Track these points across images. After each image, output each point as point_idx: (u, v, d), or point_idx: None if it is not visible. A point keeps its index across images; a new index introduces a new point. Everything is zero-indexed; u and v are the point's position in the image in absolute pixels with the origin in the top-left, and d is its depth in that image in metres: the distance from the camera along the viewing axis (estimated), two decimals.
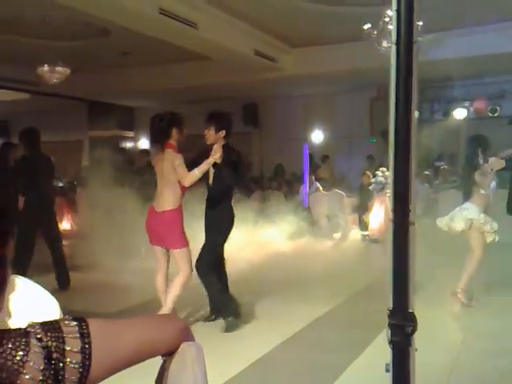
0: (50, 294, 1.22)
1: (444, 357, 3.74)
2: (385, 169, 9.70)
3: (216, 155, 4.28)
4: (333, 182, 11.63)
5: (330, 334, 4.53)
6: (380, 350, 3.68)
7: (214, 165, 4.47)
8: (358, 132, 13.10)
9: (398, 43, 1.09)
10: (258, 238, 9.04)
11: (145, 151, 9.09)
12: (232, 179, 4.62)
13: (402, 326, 1.14)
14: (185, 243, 4.50)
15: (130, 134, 16.10)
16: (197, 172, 4.31)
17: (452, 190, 9.55)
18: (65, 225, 11.35)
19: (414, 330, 1.16)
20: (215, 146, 4.37)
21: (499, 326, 4.56)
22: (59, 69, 9.36)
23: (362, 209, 10.14)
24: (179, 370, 0.96)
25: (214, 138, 4.68)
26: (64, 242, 8.72)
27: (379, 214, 9.61)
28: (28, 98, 13.27)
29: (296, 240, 9.72)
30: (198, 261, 4.69)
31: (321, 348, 4.18)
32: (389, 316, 1.17)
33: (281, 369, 3.80)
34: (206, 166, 4.34)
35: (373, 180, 9.76)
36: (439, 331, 4.30)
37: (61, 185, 12.03)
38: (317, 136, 13.34)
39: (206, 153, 4.59)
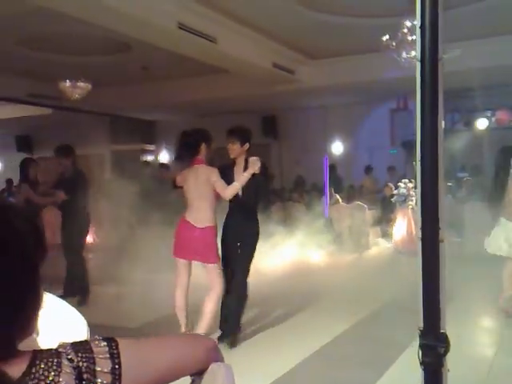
0: (77, 311, 1.22)
1: (474, 372, 3.65)
2: (407, 180, 9.62)
3: (256, 166, 4.35)
4: (352, 194, 11.57)
5: (354, 350, 4.47)
6: (405, 369, 3.63)
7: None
8: (378, 143, 13.03)
9: (422, 60, 1.08)
10: (281, 250, 9.01)
11: (165, 165, 9.16)
12: (266, 190, 4.74)
13: (433, 347, 1.11)
14: (218, 258, 4.55)
15: (151, 147, 16.26)
16: (237, 184, 4.40)
17: (477, 202, 9.42)
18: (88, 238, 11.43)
19: (446, 351, 1.13)
20: (253, 158, 4.44)
21: None
22: (81, 84, 9.50)
23: (385, 221, 10.06)
24: None
25: (239, 151, 4.76)
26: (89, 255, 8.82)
27: (402, 226, 9.52)
28: (50, 112, 13.46)
29: (319, 252, 9.67)
30: (233, 278, 4.67)
31: (345, 364, 4.12)
32: (420, 336, 1.15)
33: None
34: (245, 178, 4.40)
35: (395, 192, 9.68)
36: (469, 346, 4.22)
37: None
38: (337, 147, 13.31)
39: (231, 166, 4.75)
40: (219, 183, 4.43)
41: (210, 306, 4.45)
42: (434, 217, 1.08)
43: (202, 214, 4.50)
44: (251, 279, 4.96)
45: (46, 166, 7.97)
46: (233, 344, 4.59)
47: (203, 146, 4.69)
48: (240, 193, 4.61)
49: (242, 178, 4.39)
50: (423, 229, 1.11)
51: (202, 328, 4.40)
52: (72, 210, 6.23)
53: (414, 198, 9.78)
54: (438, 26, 1.06)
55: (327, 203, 10.78)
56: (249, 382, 3.54)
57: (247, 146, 4.80)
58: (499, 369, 3.81)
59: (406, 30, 7.98)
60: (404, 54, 8.18)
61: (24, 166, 6.47)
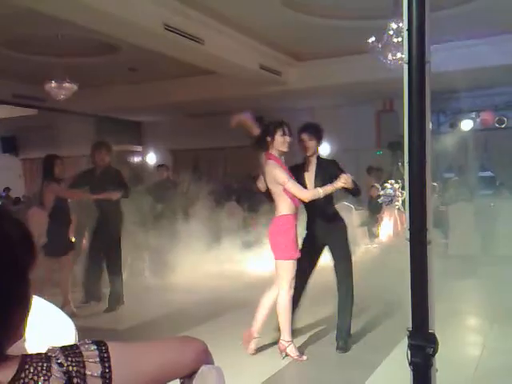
0: (65, 315, 1.21)
1: (461, 372, 3.68)
2: (393, 181, 9.67)
3: (348, 184, 4.15)
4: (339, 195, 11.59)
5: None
6: (392, 369, 3.65)
7: (321, 177, 4.44)
8: (364, 144, 13.08)
9: (410, 62, 1.09)
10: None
11: (164, 166, 9.20)
12: (358, 189, 4.49)
13: (422, 347, 1.12)
14: (290, 256, 4.17)
15: (139, 148, 16.19)
16: (321, 192, 4.16)
17: (462, 202, 9.51)
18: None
19: (435, 351, 1.14)
20: (345, 176, 4.18)
21: None
22: (67, 85, 9.41)
23: (371, 221, 10.11)
24: None
25: (315, 149, 4.61)
26: None
27: (389, 226, 9.58)
28: (36, 113, 13.36)
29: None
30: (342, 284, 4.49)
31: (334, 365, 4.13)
32: (408, 336, 1.16)
33: None
34: (331, 188, 4.21)
35: (382, 192, 9.72)
36: (455, 347, 4.24)
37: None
38: (323, 148, 13.33)
39: (303, 166, 4.59)
40: (289, 185, 4.25)
41: (281, 311, 4.17)
42: (421, 218, 1.09)
43: (275, 205, 4.40)
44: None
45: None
46: (345, 349, 4.36)
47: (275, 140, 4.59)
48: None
49: (327, 188, 4.17)
50: (411, 230, 1.11)
51: (287, 336, 4.15)
52: (112, 209, 6.15)
53: (400, 199, 9.85)
54: (424, 28, 1.07)
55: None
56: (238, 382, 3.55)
57: (321, 144, 4.69)
58: (485, 369, 3.84)
59: (391, 32, 8.03)
60: (390, 56, 8.24)
61: (49, 163, 6.19)
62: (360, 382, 3.71)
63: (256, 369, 3.99)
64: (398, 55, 8.30)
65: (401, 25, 8.15)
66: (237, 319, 5.25)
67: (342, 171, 4.38)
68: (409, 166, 1.10)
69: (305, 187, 4.38)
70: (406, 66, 1.09)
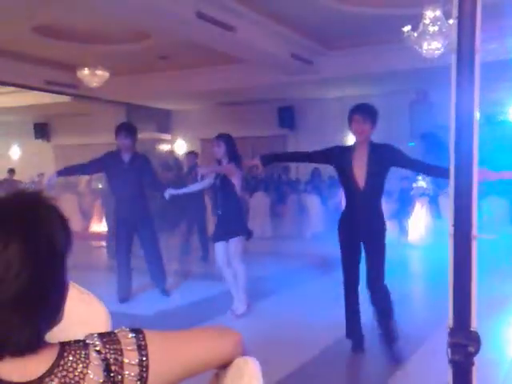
0: (100, 302, 1.21)
1: (496, 369, 3.60)
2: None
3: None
4: None
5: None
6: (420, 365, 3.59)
7: (366, 162, 3.83)
8: (397, 135, 12.89)
9: (459, 52, 1.04)
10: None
11: (193, 152, 9.18)
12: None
13: (464, 346, 1.09)
14: None
15: (168, 136, 16.28)
16: None
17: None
18: (105, 226, 11.55)
19: (477, 350, 1.11)
20: None
21: None
22: (99, 72, 9.52)
23: (402, 214, 9.97)
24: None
25: (369, 132, 3.92)
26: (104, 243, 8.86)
27: (420, 219, 9.44)
28: (68, 100, 13.54)
29: (328, 243, 9.62)
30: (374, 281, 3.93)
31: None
32: (449, 334, 1.12)
33: None
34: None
35: (414, 185, 9.59)
36: (491, 343, 4.15)
37: (100, 186, 12.25)
38: (354, 139, 13.21)
39: (351, 149, 3.97)
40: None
41: None
42: (467, 213, 1.05)
43: None
44: None
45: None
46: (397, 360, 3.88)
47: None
48: (362, 184, 3.84)
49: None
50: (456, 225, 1.07)
51: None
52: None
53: (430, 192, 9.70)
54: (475, 16, 1.02)
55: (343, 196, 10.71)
56: None
57: (374, 128, 3.97)
58: None
59: (427, 21, 7.86)
60: (425, 46, 8.07)
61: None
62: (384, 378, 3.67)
63: None
64: (434, 45, 8.14)
65: (437, 13, 7.98)
66: None
67: (401, 155, 3.88)
68: (455, 157, 1.06)
69: (352, 176, 3.85)
70: (454, 56, 1.04)
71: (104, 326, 1.15)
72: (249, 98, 13.82)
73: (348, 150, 4.00)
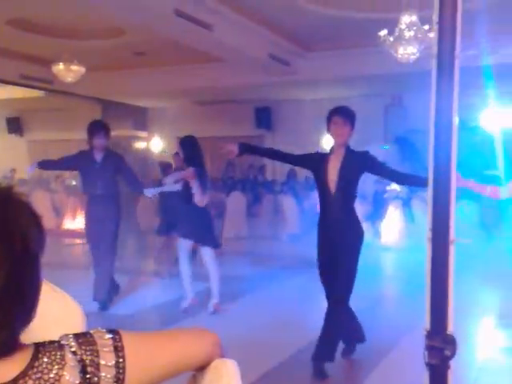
0: (72, 300, 1.19)
1: (465, 374, 3.66)
2: None
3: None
4: None
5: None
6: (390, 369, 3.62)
7: (340, 166, 3.79)
8: (371, 138, 13.01)
9: (439, 57, 1.05)
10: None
11: (179, 154, 8.93)
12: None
13: (440, 349, 1.09)
14: None
15: (144, 134, 16.14)
16: None
17: None
18: (78, 224, 11.40)
19: (453, 354, 1.12)
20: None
21: None
22: (74, 67, 9.39)
23: (376, 216, 10.08)
24: None
25: (348, 136, 3.88)
26: (77, 241, 8.74)
27: (393, 222, 9.55)
28: (42, 95, 13.33)
29: (303, 244, 9.68)
30: (338, 291, 3.85)
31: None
32: (426, 337, 1.13)
33: None
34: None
35: (388, 188, 9.70)
36: (462, 345, 4.22)
37: (74, 183, 12.10)
38: (329, 141, 13.30)
39: (327, 157, 3.90)
40: None
41: None
42: (445, 217, 1.06)
43: None
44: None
45: None
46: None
47: None
48: (333, 190, 3.81)
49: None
50: (434, 229, 1.08)
51: None
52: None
53: (404, 195, 9.82)
54: (456, 21, 1.03)
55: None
56: None
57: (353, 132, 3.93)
58: (489, 369, 3.83)
59: (403, 26, 7.95)
60: (401, 50, 8.16)
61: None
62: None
63: None
64: (409, 49, 8.24)
65: (413, 19, 8.09)
66: None
67: (376, 163, 3.89)
68: (434, 162, 1.07)
69: (325, 180, 3.82)
70: (435, 61, 1.05)
71: (79, 326, 1.13)
72: (226, 98, 13.80)
73: (324, 155, 3.98)
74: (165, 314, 5.38)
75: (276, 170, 14.04)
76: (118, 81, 12.21)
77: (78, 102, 13.99)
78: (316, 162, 3.96)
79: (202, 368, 0.96)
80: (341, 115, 3.86)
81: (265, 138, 14.71)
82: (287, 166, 12.39)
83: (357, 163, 3.83)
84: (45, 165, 5.94)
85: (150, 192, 5.70)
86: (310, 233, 10.61)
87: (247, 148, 4.15)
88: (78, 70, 9.39)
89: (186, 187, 5.25)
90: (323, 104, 13.60)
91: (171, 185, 5.66)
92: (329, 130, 3.93)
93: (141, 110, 15.74)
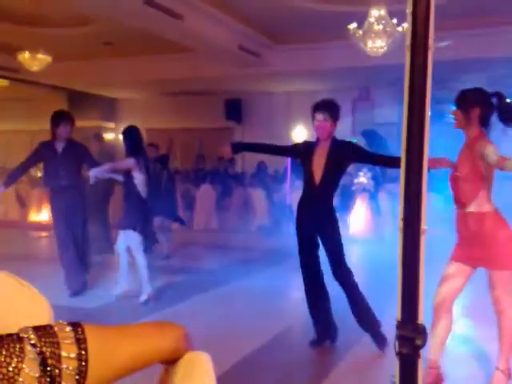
0: (38, 292, 1.16)
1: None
2: (366, 169, 9.76)
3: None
4: None
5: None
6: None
7: (325, 158, 3.90)
8: (340, 131, 13.10)
9: (413, 48, 1.06)
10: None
11: (153, 144, 8.72)
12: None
13: (411, 338, 1.11)
14: None
15: (111, 125, 15.91)
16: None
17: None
18: (43, 216, 11.19)
19: (424, 343, 1.13)
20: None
21: (482, 331, 4.60)
22: (40, 56, 9.17)
23: (343, 208, 10.18)
24: (186, 380, 0.92)
25: (331, 131, 3.97)
26: (43, 234, 8.58)
27: (361, 214, 9.67)
28: (7, 84, 13.00)
29: (273, 237, 9.76)
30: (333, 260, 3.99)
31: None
32: (397, 327, 1.14)
33: None
34: None
35: (355, 181, 9.81)
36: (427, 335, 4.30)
37: (39, 175, 11.85)
38: (300, 134, 13.35)
39: (311, 148, 3.99)
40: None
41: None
42: (417, 207, 1.07)
43: None
44: None
45: None
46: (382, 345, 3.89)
47: None
48: (318, 179, 3.93)
49: None
50: (405, 219, 1.09)
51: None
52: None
53: (371, 188, 9.94)
54: (430, 12, 1.04)
55: (289, 190, 10.84)
56: None
57: (337, 125, 4.02)
58: (449, 356, 3.92)
59: (372, 20, 8.02)
60: (370, 44, 8.24)
61: None
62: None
63: None
64: (378, 43, 8.33)
65: (382, 12, 8.17)
66: None
67: (362, 152, 4.06)
68: (406, 152, 1.08)
69: (310, 171, 3.95)
70: (408, 52, 1.06)
71: (46, 319, 1.10)
72: (196, 89, 13.71)
73: (310, 146, 4.08)
74: (134, 307, 5.33)
75: (245, 163, 14.04)
76: (85, 71, 11.99)
77: (43, 92, 13.70)
78: (303, 151, 4.07)
79: (173, 361, 0.95)
80: (321, 111, 3.95)
81: (235, 130, 14.68)
82: (256, 159, 12.44)
83: (343, 155, 3.97)
84: (13, 177, 5.79)
85: (92, 176, 5.54)
86: (280, 225, 10.75)
87: (241, 146, 4.39)
88: (44, 58, 9.18)
89: (128, 178, 5.25)
90: (293, 97, 13.79)
91: (115, 174, 5.61)
92: (313, 124, 4.03)
93: (109, 100, 15.51)
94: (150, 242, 7.56)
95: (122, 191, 5.60)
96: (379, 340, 3.90)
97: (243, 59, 10.44)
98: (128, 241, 5.30)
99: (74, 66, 11.73)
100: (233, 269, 7.11)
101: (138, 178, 5.23)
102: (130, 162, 5.23)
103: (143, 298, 5.31)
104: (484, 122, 3.17)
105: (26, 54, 8.93)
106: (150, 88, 13.99)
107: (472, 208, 3.13)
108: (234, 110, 14.30)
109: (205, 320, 4.68)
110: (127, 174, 5.28)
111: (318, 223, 4.00)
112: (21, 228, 10.29)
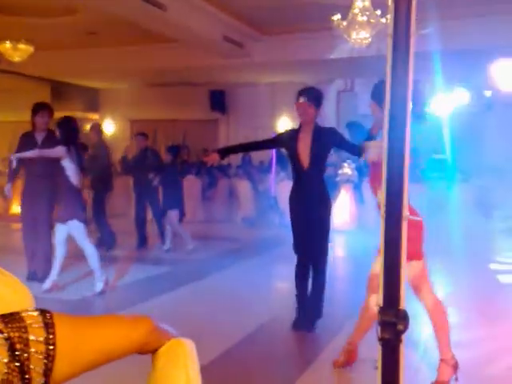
0: (20, 282, 1.15)
1: (413, 348, 3.79)
2: (350, 161, 9.79)
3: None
4: None
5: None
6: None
7: (310, 142, 4.08)
8: (325, 123, 13.15)
9: (395, 36, 1.07)
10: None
11: (143, 134, 8.58)
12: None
13: (393, 324, 1.12)
14: None
15: (95, 116, 15.77)
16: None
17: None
18: None
19: (405, 328, 1.15)
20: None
21: (464, 319, 4.67)
22: (22, 46, 9.04)
23: None
24: (169, 366, 0.92)
25: (312, 115, 4.13)
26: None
27: (345, 205, 9.71)
28: None
29: (258, 227, 9.79)
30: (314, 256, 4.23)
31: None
32: (379, 313, 1.16)
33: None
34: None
35: (339, 172, 9.84)
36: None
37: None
38: (284, 125, 13.36)
39: (295, 133, 4.21)
40: None
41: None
42: (398, 194, 1.08)
43: None
44: None
45: None
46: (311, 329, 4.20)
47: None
48: (306, 165, 4.11)
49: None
50: (387, 206, 1.11)
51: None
52: None
53: (355, 179, 9.99)
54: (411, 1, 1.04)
55: (273, 181, 10.85)
56: None
57: (320, 111, 4.22)
58: (434, 345, 3.97)
59: (356, 11, 8.02)
60: (354, 35, 8.24)
61: None
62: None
63: None
64: (362, 34, 8.33)
65: (366, 4, 8.17)
66: None
67: (342, 138, 4.23)
68: (388, 142, 1.09)
69: (297, 156, 4.13)
70: (390, 40, 1.07)
71: (28, 308, 1.10)
72: (180, 80, 13.63)
73: (294, 132, 4.26)
74: (116, 298, 5.32)
75: None
76: (68, 61, 11.85)
77: (26, 83, 13.51)
78: (287, 139, 4.25)
79: (147, 352, 0.95)
80: (304, 96, 4.12)
81: (219, 121, 14.65)
82: None
83: (326, 139, 4.17)
84: (14, 172, 5.94)
85: (13, 159, 5.62)
86: (265, 216, 10.75)
87: (226, 151, 4.51)
88: (25, 48, 9.06)
89: (59, 169, 5.22)
90: (277, 88, 13.78)
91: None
92: (296, 110, 4.21)
93: (92, 91, 15.36)
94: (104, 235, 7.46)
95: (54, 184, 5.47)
96: (306, 325, 4.16)
97: (228, 50, 10.40)
98: (72, 232, 5.22)
99: (57, 56, 11.58)
100: (217, 259, 7.12)
101: (70, 168, 5.20)
102: (60, 151, 5.20)
103: (98, 288, 5.28)
104: None
105: (8, 44, 8.80)
106: (133, 78, 13.89)
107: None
108: (219, 101, 14.26)
109: (188, 310, 4.69)
110: (56, 164, 5.24)
111: (311, 206, 4.15)
112: (4, 220, 10.19)
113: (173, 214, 7.40)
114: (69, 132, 5.33)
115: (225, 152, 4.46)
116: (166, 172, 7.69)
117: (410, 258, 3.03)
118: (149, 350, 0.96)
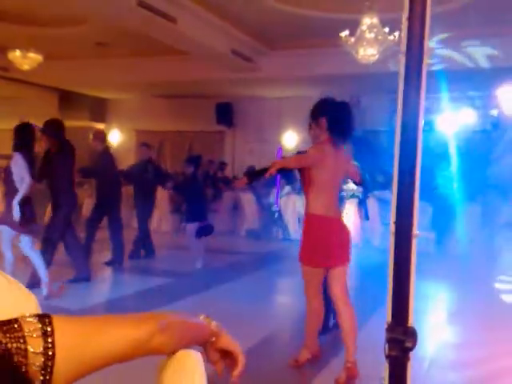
0: (26, 289, 1.15)
1: (418, 366, 3.75)
2: None
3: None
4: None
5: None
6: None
7: None
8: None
9: (408, 53, 1.07)
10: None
11: (146, 144, 8.48)
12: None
13: (401, 341, 1.12)
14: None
15: (102, 125, 15.85)
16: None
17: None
18: None
19: (414, 345, 1.14)
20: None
21: (468, 337, 4.63)
22: (31, 55, 9.12)
23: None
24: (176, 378, 0.92)
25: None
26: None
27: (350, 219, 9.69)
28: None
29: (262, 241, 9.76)
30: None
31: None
32: (387, 330, 1.15)
33: None
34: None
35: (344, 187, 9.83)
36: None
37: None
38: (290, 139, 13.38)
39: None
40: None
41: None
42: (409, 212, 1.08)
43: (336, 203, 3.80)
44: None
45: None
46: None
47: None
48: None
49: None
50: (397, 223, 1.10)
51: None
52: None
53: (360, 194, 9.99)
54: (425, 17, 1.05)
55: (278, 194, 10.85)
56: None
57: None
58: (439, 363, 3.94)
59: (364, 28, 8.07)
60: (361, 52, 8.28)
61: None
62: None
63: None
64: (369, 51, 8.38)
65: (374, 21, 8.21)
66: None
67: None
68: (400, 159, 1.09)
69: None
70: (403, 57, 1.07)
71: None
72: (187, 92, 13.69)
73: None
74: (114, 311, 5.30)
75: (235, 167, 14.05)
76: (77, 71, 11.94)
77: (34, 91, 13.61)
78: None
79: (163, 352, 0.91)
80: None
81: (225, 134, 14.68)
82: (246, 163, 12.45)
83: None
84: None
85: None
86: (269, 229, 10.73)
87: (254, 175, 4.39)
88: (34, 57, 9.13)
89: (9, 174, 5.26)
90: (285, 102, 13.81)
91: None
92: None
93: (99, 101, 15.44)
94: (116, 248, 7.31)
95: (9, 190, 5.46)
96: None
97: (236, 64, 10.45)
98: (14, 239, 5.30)
99: (65, 66, 11.68)
100: (220, 272, 7.10)
101: (16, 174, 5.23)
102: (18, 158, 5.26)
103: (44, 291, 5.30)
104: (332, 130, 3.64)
105: (17, 53, 8.88)
106: (141, 89, 13.96)
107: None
108: (225, 113, 14.29)
109: None
110: (8, 171, 5.30)
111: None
112: None
113: (191, 228, 7.21)
114: (23, 138, 5.44)
115: (253, 176, 4.32)
116: (187, 184, 7.57)
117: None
118: (157, 350, 0.90)
